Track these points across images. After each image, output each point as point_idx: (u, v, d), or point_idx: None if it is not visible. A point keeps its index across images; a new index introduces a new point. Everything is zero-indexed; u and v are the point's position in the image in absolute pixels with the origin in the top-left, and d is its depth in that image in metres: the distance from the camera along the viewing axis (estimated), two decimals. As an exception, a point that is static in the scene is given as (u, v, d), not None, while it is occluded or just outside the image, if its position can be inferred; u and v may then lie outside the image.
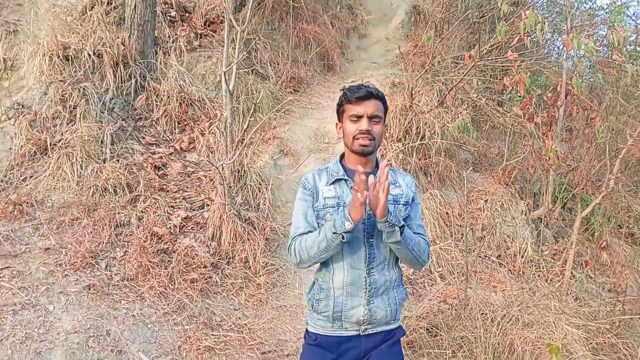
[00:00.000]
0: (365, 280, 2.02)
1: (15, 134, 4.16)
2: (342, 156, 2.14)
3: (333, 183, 2.05)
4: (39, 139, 4.19)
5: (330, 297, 2.04)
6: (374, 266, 2.03)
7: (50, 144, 4.19)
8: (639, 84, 4.67)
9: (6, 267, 3.19)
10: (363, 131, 1.96)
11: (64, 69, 4.68)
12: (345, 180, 2.04)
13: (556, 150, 4.46)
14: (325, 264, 2.08)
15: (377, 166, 2.10)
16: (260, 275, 3.81)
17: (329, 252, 1.96)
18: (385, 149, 4.98)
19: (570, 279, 4.28)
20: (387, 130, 5.09)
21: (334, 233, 1.90)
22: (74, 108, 4.49)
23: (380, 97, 2.02)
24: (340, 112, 2.08)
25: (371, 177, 1.86)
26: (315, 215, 2.05)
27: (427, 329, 3.28)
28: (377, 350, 2.07)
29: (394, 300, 2.08)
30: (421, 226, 2.14)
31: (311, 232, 2.03)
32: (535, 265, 4.46)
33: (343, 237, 1.89)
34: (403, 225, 1.91)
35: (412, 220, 2.11)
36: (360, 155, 2.01)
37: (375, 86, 2.06)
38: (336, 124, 2.12)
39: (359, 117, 1.98)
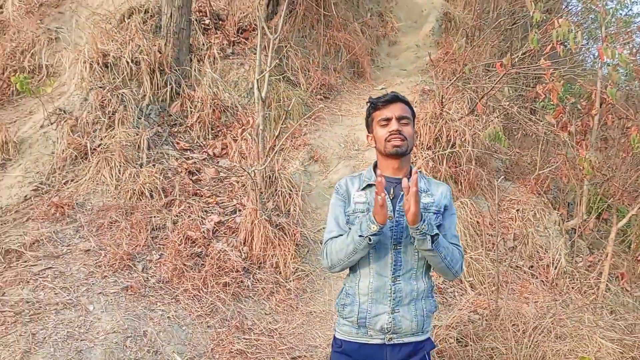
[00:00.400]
0: (391, 288, 2.02)
1: (57, 138, 4.32)
2: (376, 164, 2.18)
3: (364, 189, 2.08)
4: (80, 144, 4.35)
5: (355, 303, 2.06)
6: (400, 274, 2.03)
7: (90, 149, 4.34)
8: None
9: (49, 268, 3.32)
10: (394, 132, 1.99)
11: (103, 76, 4.85)
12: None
13: (590, 160, 4.39)
14: (352, 269, 2.10)
15: (411, 173, 2.12)
16: (291, 281, 3.86)
17: (357, 255, 1.98)
18: (415, 157, 4.98)
19: (606, 291, 4.20)
20: (417, 137, 5.10)
21: (360, 236, 1.92)
22: (112, 114, 4.64)
23: (406, 101, 2.08)
24: (369, 123, 2.12)
25: (404, 181, 1.85)
26: (346, 219, 2.08)
27: (457, 339, 3.27)
28: None
29: (422, 311, 2.07)
30: (456, 237, 2.12)
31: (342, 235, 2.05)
32: (569, 277, 4.39)
33: (370, 240, 1.91)
34: (436, 234, 1.91)
35: (445, 230, 2.09)
36: (395, 157, 2.03)
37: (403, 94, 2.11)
38: (367, 135, 2.16)
39: (388, 119, 2.02)
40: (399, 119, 2.02)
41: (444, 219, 2.09)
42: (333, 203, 2.14)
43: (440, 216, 2.07)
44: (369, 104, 2.11)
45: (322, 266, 3.92)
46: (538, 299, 3.93)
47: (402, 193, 1.99)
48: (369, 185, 2.07)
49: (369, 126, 2.13)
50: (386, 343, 2.05)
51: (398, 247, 2.02)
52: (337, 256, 2.02)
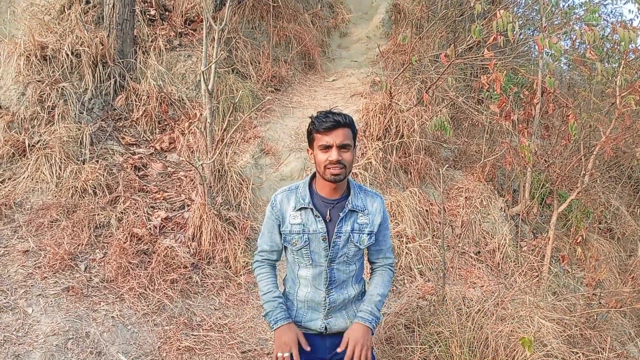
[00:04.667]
0: (325, 300, 2.17)
1: (-8, 135, 4.12)
2: (314, 176, 2.18)
3: (299, 210, 2.11)
4: (17, 141, 4.16)
5: (293, 308, 2.22)
6: (334, 287, 2.17)
7: (29, 145, 4.16)
8: (610, 82, 4.77)
9: (-17, 271, 3.18)
10: (333, 161, 2.00)
11: (41, 69, 4.65)
12: (311, 209, 2.11)
13: (530, 147, 4.54)
14: (292, 277, 2.24)
15: (347, 191, 2.16)
16: (241, 275, 3.83)
17: None
18: (365, 148, 5.03)
19: (548, 274, 4.37)
20: (367, 128, 5.14)
21: (265, 316, 2.20)
22: (52, 109, 4.46)
23: (349, 124, 2.04)
24: (310, 140, 2.11)
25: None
26: (283, 238, 2.18)
27: (406, 325, 3.34)
28: None
29: (353, 313, 2.23)
30: (390, 247, 2.28)
31: (276, 251, 2.23)
32: (513, 261, 4.54)
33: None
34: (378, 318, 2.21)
35: (381, 245, 2.25)
36: (332, 182, 2.07)
37: (343, 112, 2.08)
38: (307, 149, 2.17)
39: (329, 147, 2.01)
40: (339, 147, 2.01)
41: (379, 233, 2.22)
42: (268, 216, 2.22)
43: (373, 236, 2.19)
44: (311, 121, 2.08)
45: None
46: (483, 284, 4.05)
47: (340, 215, 2.11)
48: (304, 208, 2.11)
49: (309, 142, 2.12)
50: (324, 333, 2.22)
51: (332, 265, 2.15)
52: (258, 286, 2.27)
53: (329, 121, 2.00)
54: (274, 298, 2.17)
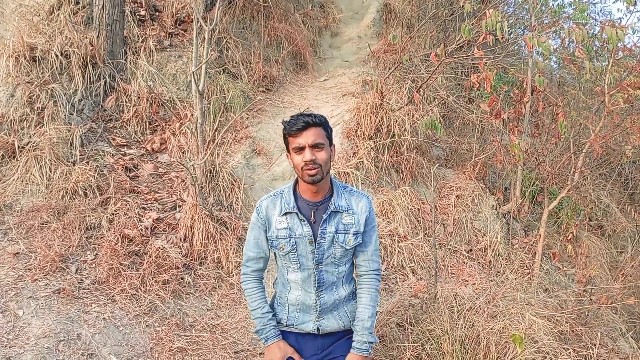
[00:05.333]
0: (316, 302, 2.18)
1: (-19, 137, 4.09)
2: (297, 182, 2.21)
3: (285, 214, 2.13)
4: (7, 142, 4.14)
5: (284, 311, 2.24)
6: (323, 289, 2.19)
7: (18, 147, 4.13)
8: (599, 81, 4.81)
9: (-27, 273, 3.15)
10: (307, 162, 2.01)
11: (31, 70, 4.62)
12: (296, 213, 2.13)
13: (520, 145, 4.57)
14: (282, 281, 2.26)
15: (331, 192, 2.17)
16: (233, 275, 3.83)
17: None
18: (357, 147, 5.03)
19: (540, 271, 4.40)
20: (358, 128, 5.15)
21: (256, 332, 2.25)
22: (42, 110, 4.43)
23: (320, 123, 2.06)
24: (286, 145, 2.14)
25: None
26: (270, 243, 2.19)
27: (398, 323, 3.35)
28: (337, 344, 2.22)
29: (345, 313, 2.25)
30: (376, 251, 2.24)
31: (262, 258, 2.23)
32: (504, 259, 4.57)
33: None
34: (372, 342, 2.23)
35: (367, 247, 2.21)
36: (311, 184, 2.08)
37: (314, 112, 2.10)
38: (287, 155, 2.18)
39: (302, 148, 2.03)
40: (312, 146, 2.02)
41: (365, 235, 2.20)
42: (253, 222, 2.22)
43: (360, 236, 2.18)
44: (283, 127, 2.10)
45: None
46: (475, 281, 4.08)
47: (323, 217, 2.13)
48: (289, 212, 2.13)
49: (286, 147, 2.15)
50: (316, 334, 2.24)
51: (319, 267, 2.16)
52: (248, 305, 2.27)
53: (299, 123, 2.02)
54: (263, 314, 2.20)
